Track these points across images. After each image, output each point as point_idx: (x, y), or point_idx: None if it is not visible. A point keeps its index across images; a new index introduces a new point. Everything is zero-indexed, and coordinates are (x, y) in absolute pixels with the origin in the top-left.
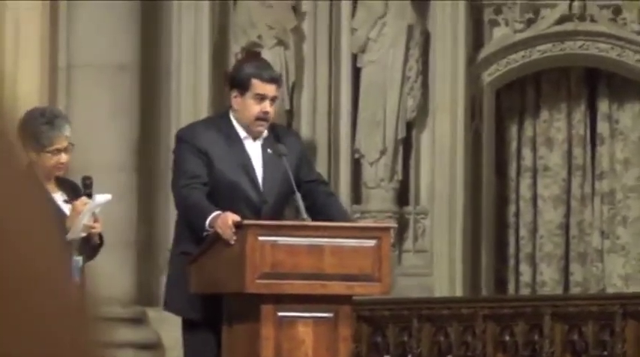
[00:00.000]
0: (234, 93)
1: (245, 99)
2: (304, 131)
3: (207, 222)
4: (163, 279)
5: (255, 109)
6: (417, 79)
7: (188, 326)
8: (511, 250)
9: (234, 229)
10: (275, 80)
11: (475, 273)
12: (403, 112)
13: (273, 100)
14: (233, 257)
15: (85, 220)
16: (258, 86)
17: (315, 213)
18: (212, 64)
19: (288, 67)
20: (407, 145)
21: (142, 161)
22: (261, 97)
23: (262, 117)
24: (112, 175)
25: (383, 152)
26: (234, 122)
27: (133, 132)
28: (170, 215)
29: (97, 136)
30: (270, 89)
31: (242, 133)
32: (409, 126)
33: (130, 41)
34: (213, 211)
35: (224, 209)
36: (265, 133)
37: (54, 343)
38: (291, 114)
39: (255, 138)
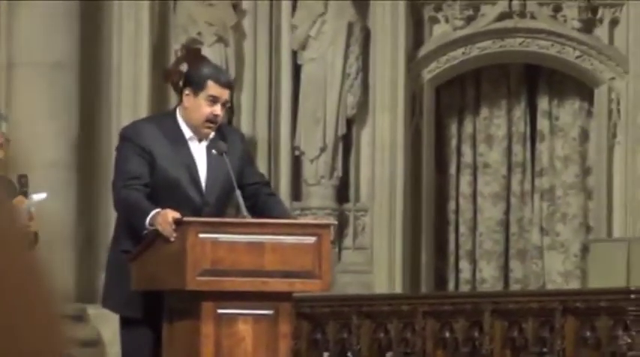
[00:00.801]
0: (188, 91)
1: (198, 99)
2: (244, 128)
3: (148, 220)
4: (103, 276)
5: (206, 110)
6: (358, 76)
7: (126, 324)
8: (451, 247)
9: (174, 226)
10: (230, 85)
11: (415, 270)
12: (343, 109)
13: (224, 104)
14: (173, 254)
15: (21, 218)
16: (213, 88)
17: (256, 213)
18: (152, 62)
19: (228, 64)
20: (347, 143)
21: (82, 159)
22: (214, 100)
23: (212, 119)
24: (52, 172)
25: (323, 149)
26: (181, 122)
27: (72, 129)
28: (110, 213)
29: (36, 134)
30: (224, 93)
31: (188, 133)
32: (349, 123)
33: (70, 40)
34: (153, 210)
35: (165, 208)
36: (212, 134)
37: (19, 338)
38: (231, 111)
39: (200, 139)
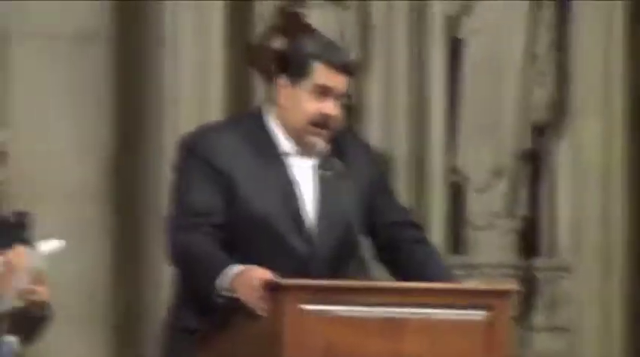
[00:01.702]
0: (283, 79)
1: (299, 90)
2: (374, 139)
3: (223, 283)
4: None
5: (312, 106)
6: (550, 59)
7: None
8: None
9: (264, 294)
10: (350, 70)
11: None
12: (528, 112)
13: (340, 99)
14: (263, 336)
15: (23, 282)
16: (324, 74)
17: (400, 272)
18: (227, 35)
19: (346, 38)
20: (535, 163)
21: (118, 184)
22: (325, 91)
23: (322, 121)
24: (71, 206)
25: (497, 173)
26: (274, 127)
27: (102, 138)
28: (163, 269)
29: (47, 145)
30: (340, 82)
31: (285, 144)
32: (538, 133)
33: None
34: (231, 266)
35: (250, 263)
36: (324, 146)
37: None
38: (351, 112)
39: (305, 154)
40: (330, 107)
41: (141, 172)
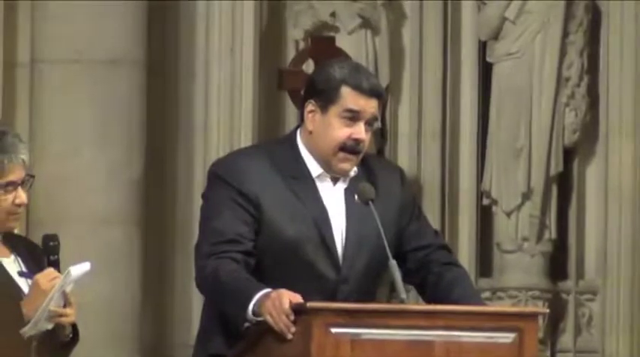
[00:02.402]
0: (311, 106)
1: (328, 116)
2: (404, 164)
3: (251, 306)
4: None
5: (341, 132)
6: (581, 82)
7: None
8: None
9: (292, 316)
10: (379, 94)
11: None
12: (559, 135)
13: (370, 123)
14: None
15: (53, 303)
16: (352, 99)
17: (429, 295)
18: (259, 59)
19: (377, 63)
20: (565, 186)
21: (148, 209)
22: (354, 116)
23: (351, 146)
24: (100, 230)
25: (527, 196)
26: (304, 153)
27: (133, 163)
28: (193, 295)
29: (73, 165)
30: (369, 106)
31: (316, 169)
32: (568, 156)
33: (131, 29)
34: (259, 290)
35: (278, 288)
36: (354, 171)
37: None
38: (382, 136)
39: (335, 179)
40: (360, 132)
41: (169, 197)
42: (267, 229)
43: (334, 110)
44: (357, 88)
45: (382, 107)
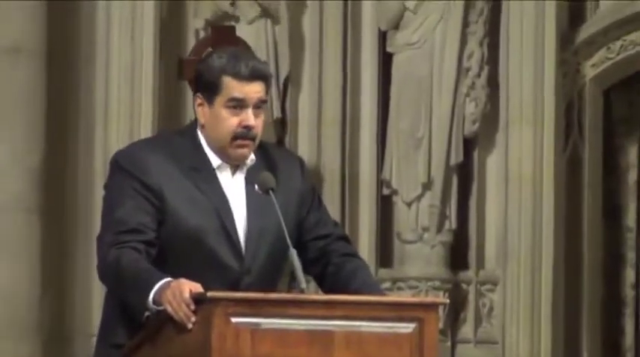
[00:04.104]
0: (199, 99)
1: (215, 108)
2: (303, 153)
3: (152, 295)
4: None
5: (230, 122)
6: (481, 72)
7: None
8: (628, 340)
9: (192, 306)
10: (260, 75)
11: None
12: (459, 125)
13: (259, 106)
14: (191, 350)
15: None
16: (234, 87)
17: (326, 285)
18: (159, 48)
19: (278, 52)
20: (465, 176)
21: (49, 197)
22: (240, 104)
23: (243, 134)
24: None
25: (427, 186)
26: (203, 144)
27: (33, 151)
28: (94, 284)
29: None
30: (253, 90)
31: (215, 160)
32: (468, 146)
33: (32, 14)
34: (160, 280)
35: (179, 278)
36: (251, 158)
37: None
38: (282, 126)
39: (235, 167)
40: (249, 118)
41: (70, 185)
42: (170, 219)
43: (220, 101)
44: (237, 75)
45: (283, 91)
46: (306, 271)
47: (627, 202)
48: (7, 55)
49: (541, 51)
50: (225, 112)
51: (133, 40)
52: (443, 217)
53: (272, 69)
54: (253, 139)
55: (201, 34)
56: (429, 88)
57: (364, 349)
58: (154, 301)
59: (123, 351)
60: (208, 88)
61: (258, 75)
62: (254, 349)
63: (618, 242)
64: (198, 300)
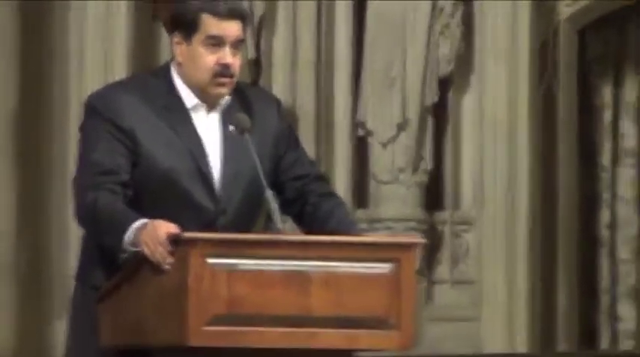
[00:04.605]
0: (177, 38)
1: (193, 46)
2: (279, 94)
3: (127, 237)
4: (60, 326)
5: (208, 59)
6: (455, 12)
7: None
8: (604, 281)
9: (169, 247)
10: (238, 14)
11: (548, 317)
12: (433, 65)
13: (236, 45)
14: (167, 291)
15: None
16: (212, 24)
17: (304, 225)
18: None
19: None
20: (440, 117)
21: (23, 141)
22: (218, 42)
23: (221, 72)
24: None
25: (402, 127)
26: (178, 83)
27: (7, 96)
28: (69, 226)
29: None
30: (231, 28)
31: (190, 100)
32: (443, 86)
33: None
34: (135, 221)
35: (155, 219)
36: (227, 99)
37: None
38: (257, 67)
39: (211, 107)
40: (227, 56)
41: (45, 129)
42: (144, 161)
43: (197, 39)
44: (215, 13)
45: (258, 32)
46: (284, 211)
47: (602, 141)
48: None
49: None
50: (203, 50)
51: None
52: (418, 157)
53: (247, 8)
54: (231, 76)
55: None
56: (403, 28)
57: (341, 290)
58: (131, 243)
59: (100, 292)
60: (186, 26)
61: (236, 13)
62: (230, 290)
63: (593, 182)
64: (174, 241)
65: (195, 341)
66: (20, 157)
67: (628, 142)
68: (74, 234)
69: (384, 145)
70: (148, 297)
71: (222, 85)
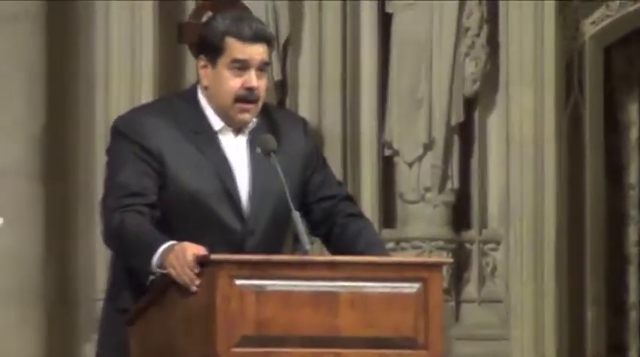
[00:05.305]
0: (202, 61)
1: (218, 69)
2: (305, 115)
3: (155, 259)
4: (89, 349)
5: (233, 83)
6: (481, 32)
7: None
8: (632, 296)
9: (196, 269)
10: (263, 37)
11: (576, 333)
12: (459, 85)
13: (261, 68)
14: (195, 313)
15: None
16: (237, 48)
17: (334, 247)
18: (159, 13)
19: (278, 17)
20: (466, 136)
21: (51, 164)
22: (243, 65)
23: (245, 96)
24: (2, 184)
25: (428, 147)
26: (205, 107)
27: (35, 117)
28: (98, 249)
29: None
30: (255, 52)
31: (217, 123)
32: (469, 106)
33: None
34: (163, 243)
35: (183, 241)
36: (254, 121)
37: None
38: (283, 88)
39: (237, 130)
40: (251, 79)
41: (71, 151)
42: (171, 183)
43: (223, 62)
44: (240, 36)
45: (283, 53)
46: (312, 232)
47: (629, 160)
48: (7, 20)
49: (540, 9)
50: (228, 74)
51: (132, 4)
52: (445, 176)
53: (272, 31)
54: (256, 101)
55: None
56: (429, 48)
57: (369, 310)
58: (158, 265)
59: (128, 315)
60: (211, 50)
61: (261, 37)
62: (258, 312)
63: (621, 200)
64: (201, 263)
65: None
66: (46, 180)
67: None
68: (101, 257)
69: (411, 165)
70: (176, 319)
71: (246, 111)
